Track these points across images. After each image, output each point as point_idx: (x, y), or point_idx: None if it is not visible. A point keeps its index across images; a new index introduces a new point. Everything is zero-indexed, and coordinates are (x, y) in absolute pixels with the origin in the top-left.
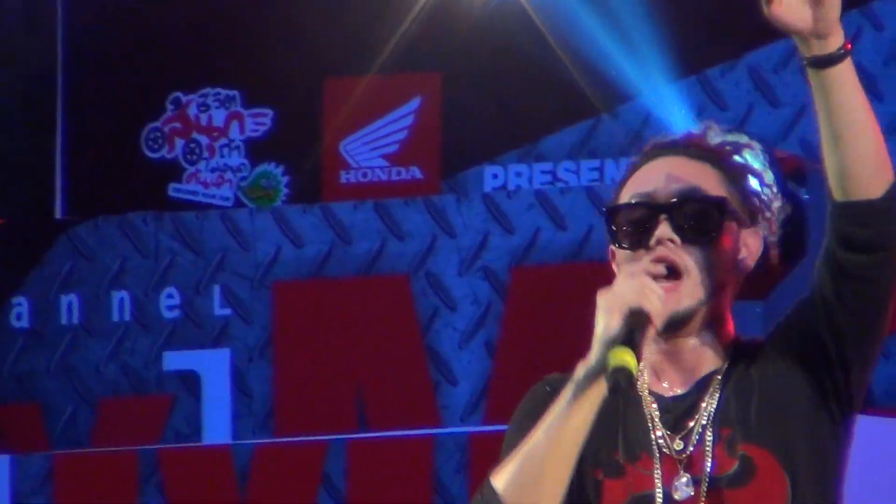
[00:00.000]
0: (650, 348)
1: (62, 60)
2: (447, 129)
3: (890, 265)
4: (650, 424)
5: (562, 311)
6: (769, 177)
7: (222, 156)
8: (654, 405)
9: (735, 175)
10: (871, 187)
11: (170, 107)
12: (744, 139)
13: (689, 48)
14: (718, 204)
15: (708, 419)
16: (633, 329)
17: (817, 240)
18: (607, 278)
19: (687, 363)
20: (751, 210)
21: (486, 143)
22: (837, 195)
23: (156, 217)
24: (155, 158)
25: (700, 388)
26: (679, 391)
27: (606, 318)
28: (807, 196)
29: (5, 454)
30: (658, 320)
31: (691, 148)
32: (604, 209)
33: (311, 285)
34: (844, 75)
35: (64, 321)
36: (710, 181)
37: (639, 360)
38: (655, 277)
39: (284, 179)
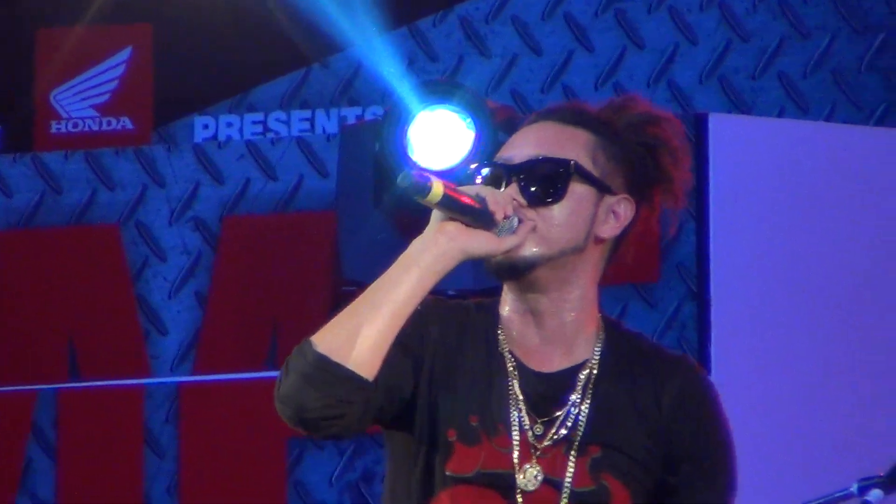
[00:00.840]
0: (508, 305)
1: None
2: (158, 79)
3: None
4: (513, 399)
5: (271, 260)
6: (674, 150)
7: None
8: (517, 374)
9: (615, 141)
10: None
11: None
12: (662, 112)
13: None
14: (564, 167)
15: (575, 424)
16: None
17: None
18: (316, 228)
19: (551, 334)
20: (629, 178)
21: (196, 93)
22: None
23: None
24: None
25: (570, 376)
26: (546, 370)
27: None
28: None
29: None
30: (495, 253)
31: (568, 112)
32: (469, 168)
33: (22, 235)
34: None
35: None
36: (572, 145)
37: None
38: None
39: None
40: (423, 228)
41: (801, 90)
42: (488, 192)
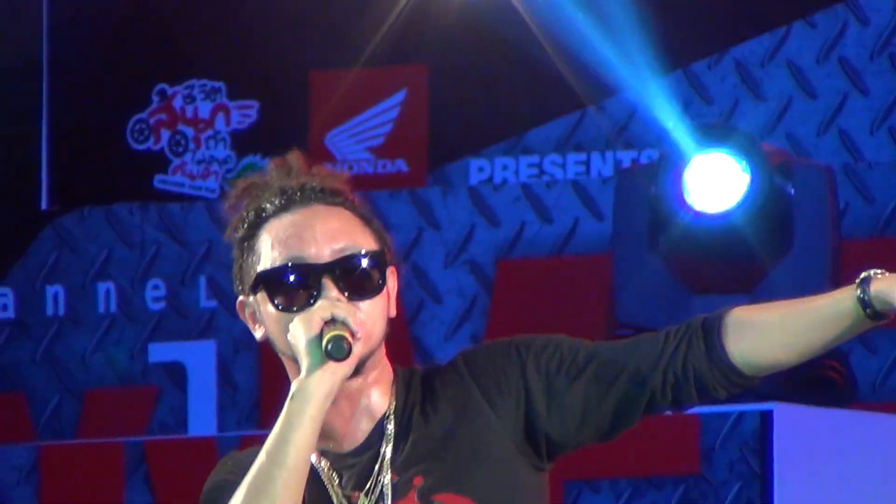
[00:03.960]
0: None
1: (47, 52)
2: (432, 121)
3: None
4: (331, 492)
5: (546, 303)
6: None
7: (208, 148)
8: (331, 469)
9: (367, 216)
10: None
11: (155, 98)
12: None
13: (675, 42)
14: (378, 257)
15: (391, 466)
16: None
17: (803, 234)
18: (591, 272)
19: (359, 410)
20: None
21: (471, 136)
22: (742, 364)
23: (141, 208)
24: (140, 150)
25: (378, 434)
26: (357, 444)
27: (304, 329)
28: (792, 191)
29: None
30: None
31: (323, 193)
32: (258, 273)
33: None
34: None
35: (49, 312)
36: (357, 230)
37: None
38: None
39: None
40: (701, 273)
41: None
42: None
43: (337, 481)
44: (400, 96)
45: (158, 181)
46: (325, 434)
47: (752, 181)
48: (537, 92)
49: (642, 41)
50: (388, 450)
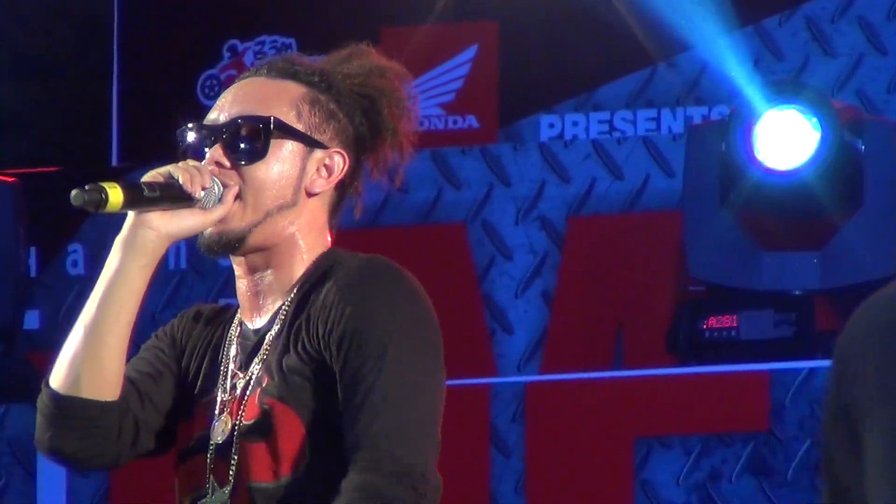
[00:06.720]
0: (238, 279)
1: (118, 7)
2: (503, 78)
3: None
4: (225, 361)
5: (616, 260)
6: (399, 101)
7: None
8: (237, 337)
9: (330, 93)
10: None
11: (226, 54)
12: (387, 62)
13: None
14: (263, 123)
15: (263, 360)
16: (158, 196)
17: (873, 190)
18: (661, 228)
19: (263, 291)
20: (344, 131)
21: (542, 92)
22: None
23: None
24: (211, 105)
25: (271, 321)
26: (258, 324)
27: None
28: (863, 147)
29: None
30: (205, 226)
31: (278, 66)
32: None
33: (368, 234)
34: None
35: None
36: (276, 100)
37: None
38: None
39: None
40: (771, 229)
41: None
42: (180, 169)
43: (232, 354)
44: (471, 52)
45: None
46: (243, 307)
47: (823, 137)
48: (608, 48)
49: None
50: (268, 340)
